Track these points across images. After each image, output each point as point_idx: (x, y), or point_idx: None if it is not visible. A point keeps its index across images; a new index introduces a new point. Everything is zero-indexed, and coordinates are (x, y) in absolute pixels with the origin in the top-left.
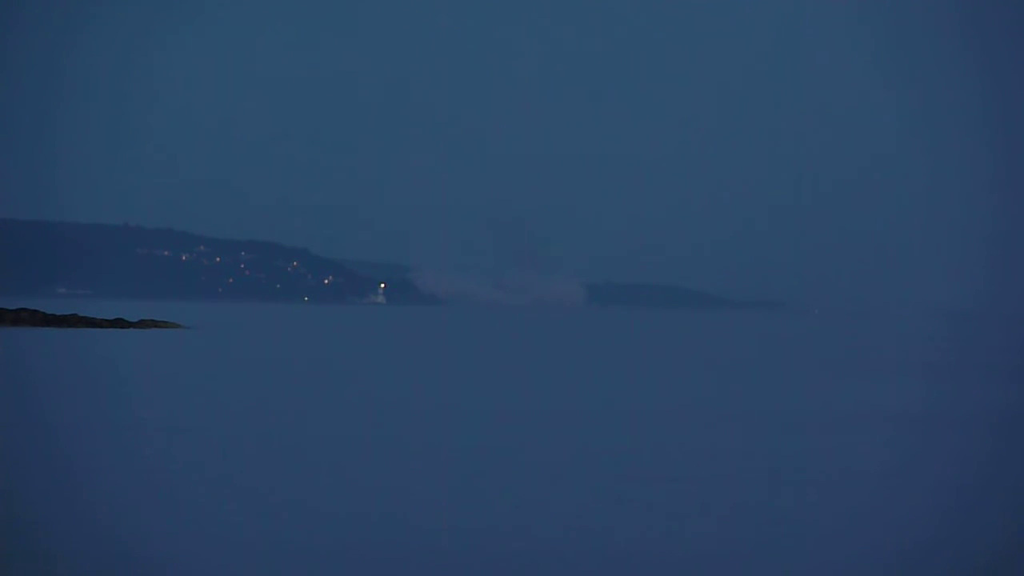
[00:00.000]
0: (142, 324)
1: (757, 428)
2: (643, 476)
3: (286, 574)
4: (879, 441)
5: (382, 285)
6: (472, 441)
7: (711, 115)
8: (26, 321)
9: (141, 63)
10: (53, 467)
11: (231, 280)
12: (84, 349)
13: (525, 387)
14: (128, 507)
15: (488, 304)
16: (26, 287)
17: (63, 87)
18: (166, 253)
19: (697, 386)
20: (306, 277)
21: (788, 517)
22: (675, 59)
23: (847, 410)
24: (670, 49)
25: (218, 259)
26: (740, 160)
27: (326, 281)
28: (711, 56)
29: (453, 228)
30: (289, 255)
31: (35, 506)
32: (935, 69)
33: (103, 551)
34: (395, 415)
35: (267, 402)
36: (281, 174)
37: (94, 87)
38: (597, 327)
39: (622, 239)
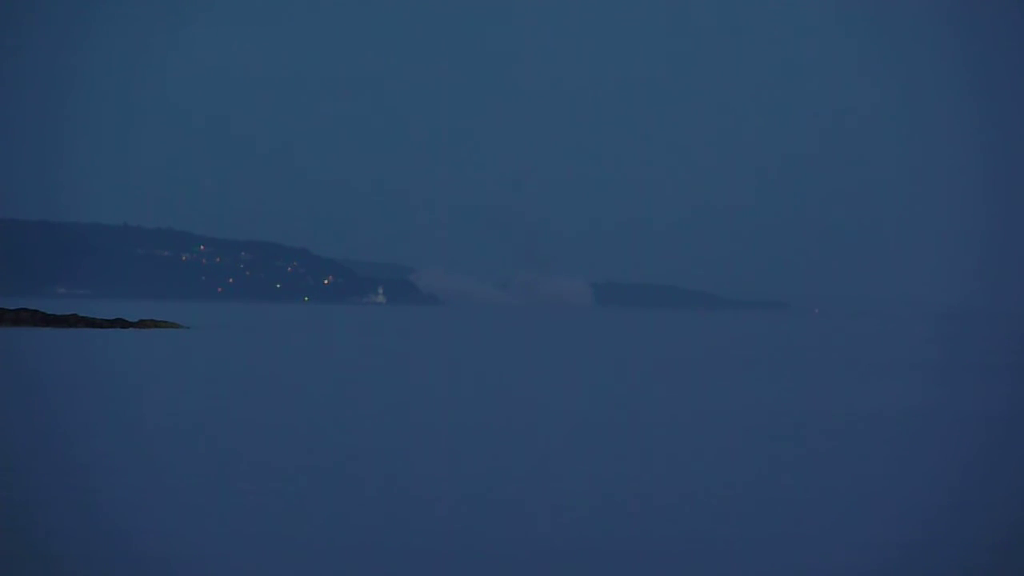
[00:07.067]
0: (142, 324)
1: (757, 427)
2: (643, 475)
3: (287, 574)
4: (878, 440)
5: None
6: (473, 441)
7: (713, 116)
8: (26, 321)
9: (142, 64)
10: (53, 467)
11: (231, 280)
12: (84, 349)
13: (526, 387)
14: (129, 506)
15: (489, 304)
16: (26, 287)
17: (64, 88)
18: (166, 253)
19: (697, 386)
20: (306, 277)
21: (787, 516)
22: (676, 60)
23: (847, 409)
24: (671, 50)
25: (218, 259)
26: (741, 161)
27: (326, 281)
28: (713, 57)
29: (453, 228)
30: (289, 255)
31: (36, 506)
32: (932, 70)
33: (104, 550)
34: (397, 415)
35: (267, 402)
36: (281, 174)
37: (95, 88)
38: (599, 327)
39: (623, 239)
